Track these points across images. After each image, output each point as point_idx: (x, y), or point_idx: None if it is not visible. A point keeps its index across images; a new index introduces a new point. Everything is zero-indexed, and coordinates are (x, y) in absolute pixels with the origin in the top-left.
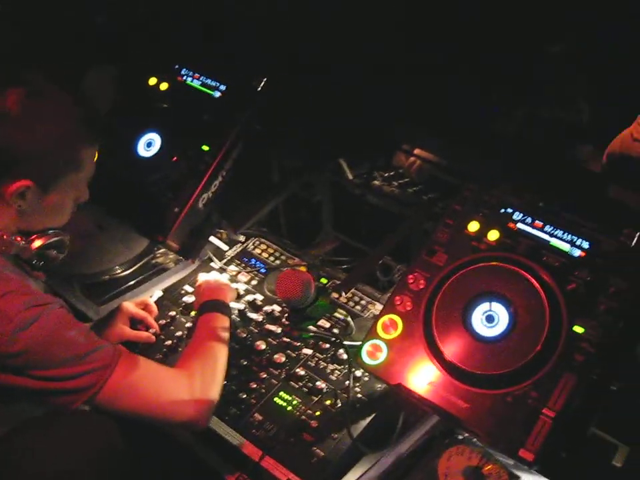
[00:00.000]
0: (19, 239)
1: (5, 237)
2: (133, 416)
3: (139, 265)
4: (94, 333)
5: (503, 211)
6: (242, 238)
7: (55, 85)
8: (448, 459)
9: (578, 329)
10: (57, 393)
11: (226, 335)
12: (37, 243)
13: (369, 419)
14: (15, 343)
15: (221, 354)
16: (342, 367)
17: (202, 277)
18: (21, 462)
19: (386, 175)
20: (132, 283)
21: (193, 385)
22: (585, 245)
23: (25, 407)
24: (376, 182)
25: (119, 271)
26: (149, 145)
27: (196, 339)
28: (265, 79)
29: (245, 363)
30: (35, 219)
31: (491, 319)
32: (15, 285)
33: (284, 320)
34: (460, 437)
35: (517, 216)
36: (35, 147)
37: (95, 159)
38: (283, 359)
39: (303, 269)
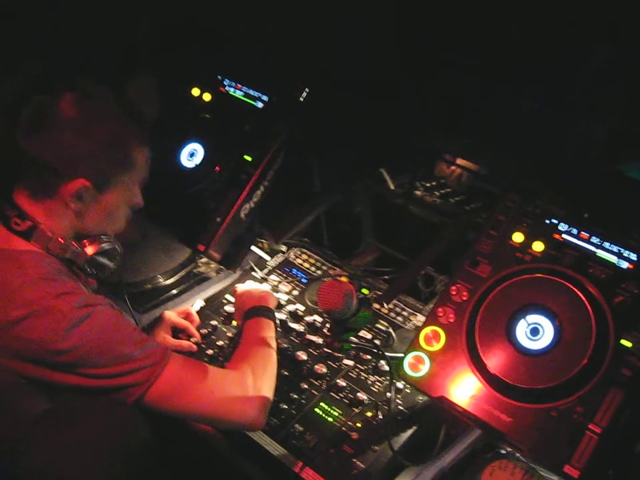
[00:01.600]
0: (74, 243)
1: (61, 240)
2: (186, 415)
3: (181, 274)
4: (144, 333)
5: (548, 221)
6: (283, 248)
7: (104, 87)
8: (490, 473)
9: (625, 343)
10: (107, 391)
11: (273, 337)
12: (90, 250)
13: (410, 432)
14: (66, 339)
15: (271, 355)
16: (383, 378)
17: (240, 287)
18: (46, 457)
19: (427, 185)
20: (174, 292)
21: (246, 383)
22: (633, 256)
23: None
24: (418, 192)
25: (162, 280)
26: (191, 155)
27: (245, 342)
28: (307, 89)
29: (286, 373)
30: (92, 221)
31: (535, 331)
32: (69, 286)
33: (325, 330)
34: (503, 452)
35: (563, 227)
36: (89, 147)
37: (148, 161)
38: (324, 370)
39: (344, 279)
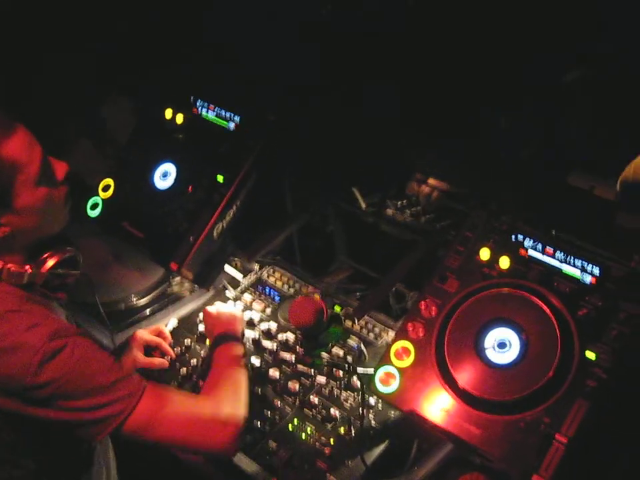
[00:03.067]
0: (27, 267)
1: (11, 269)
2: (163, 445)
3: (154, 293)
4: (118, 362)
5: (514, 237)
6: (256, 266)
7: None
8: None
9: (590, 355)
10: (84, 424)
11: (244, 362)
12: (49, 264)
13: (382, 447)
14: (41, 374)
15: (242, 382)
16: (355, 394)
17: (208, 310)
18: None
19: (399, 203)
20: (148, 311)
21: (220, 411)
22: (596, 271)
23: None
24: (389, 210)
25: (135, 300)
26: (164, 175)
27: (216, 370)
28: (278, 110)
29: (259, 390)
30: (23, 234)
31: (503, 345)
32: (38, 317)
33: (298, 348)
34: (474, 463)
35: (528, 243)
36: None
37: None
38: (297, 387)
39: (316, 297)
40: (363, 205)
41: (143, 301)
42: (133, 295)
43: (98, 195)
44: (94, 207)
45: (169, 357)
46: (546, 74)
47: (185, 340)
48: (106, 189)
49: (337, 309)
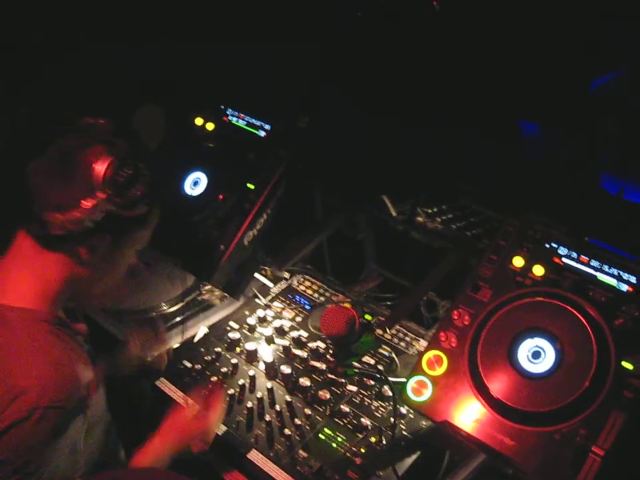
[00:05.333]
0: None
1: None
2: None
3: (185, 301)
4: None
5: (547, 245)
6: (286, 275)
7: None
8: None
9: (627, 365)
10: None
11: None
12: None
13: (414, 457)
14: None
15: None
16: (387, 403)
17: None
18: None
19: (429, 211)
20: (178, 319)
21: None
22: (633, 279)
23: None
24: (419, 218)
25: (165, 308)
26: (195, 183)
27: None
28: (308, 118)
29: (290, 399)
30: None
31: (537, 355)
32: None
33: (328, 357)
34: (507, 475)
35: (563, 251)
36: None
37: None
38: (328, 396)
39: (347, 305)
40: (394, 212)
41: (173, 309)
42: (163, 303)
43: None
44: None
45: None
46: (577, 80)
47: (215, 348)
48: None
49: (368, 317)
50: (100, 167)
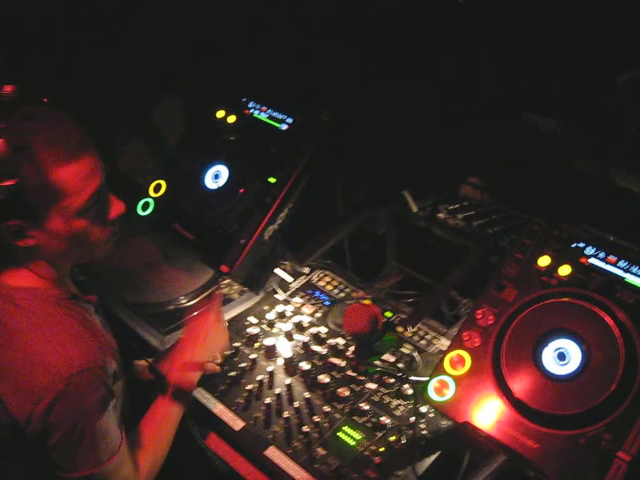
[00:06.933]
0: None
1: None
2: None
3: (203, 295)
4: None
5: (574, 245)
6: (306, 270)
7: None
8: None
9: None
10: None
11: (175, 429)
12: None
13: (433, 457)
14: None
15: (166, 450)
16: (407, 402)
17: (197, 327)
18: None
19: (450, 207)
20: (196, 313)
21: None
22: None
23: None
24: (440, 215)
25: (184, 301)
26: (216, 176)
27: (149, 428)
28: (331, 112)
29: (308, 396)
30: (50, 249)
31: (562, 356)
32: (74, 336)
33: (348, 353)
34: (528, 477)
35: (589, 251)
36: None
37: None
38: (347, 393)
39: (367, 302)
40: (414, 209)
41: (192, 303)
42: (182, 297)
43: (149, 195)
44: (145, 206)
45: (220, 362)
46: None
47: (234, 343)
48: (157, 189)
49: (388, 314)
50: None
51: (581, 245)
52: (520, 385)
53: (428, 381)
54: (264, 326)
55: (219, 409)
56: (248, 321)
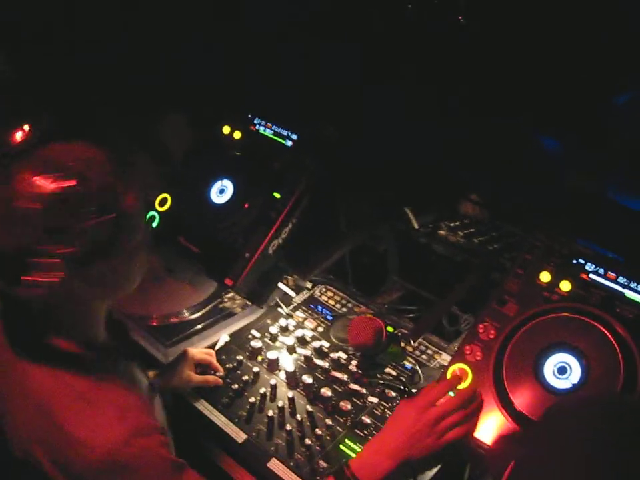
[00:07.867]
0: None
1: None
2: None
3: (207, 308)
4: None
5: (575, 261)
6: (309, 284)
7: None
8: None
9: None
10: None
11: None
12: None
13: (434, 470)
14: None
15: None
16: None
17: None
18: None
19: (451, 224)
20: (199, 326)
21: None
22: None
23: None
24: (441, 231)
25: (187, 314)
26: (221, 191)
27: None
28: (334, 129)
29: (310, 409)
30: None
31: (563, 370)
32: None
33: (350, 367)
34: None
35: (590, 267)
36: None
37: None
38: (349, 407)
39: (369, 316)
40: (416, 225)
41: (195, 316)
42: (185, 310)
43: (155, 208)
44: (150, 220)
45: (221, 374)
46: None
47: (237, 356)
48: (162, 203)
49: (390, 329)
50: None
51: (582, 260)
52: (521, 398)
53: None
54: (267, 339)
55: (221, 421)
56: (251, 334)
